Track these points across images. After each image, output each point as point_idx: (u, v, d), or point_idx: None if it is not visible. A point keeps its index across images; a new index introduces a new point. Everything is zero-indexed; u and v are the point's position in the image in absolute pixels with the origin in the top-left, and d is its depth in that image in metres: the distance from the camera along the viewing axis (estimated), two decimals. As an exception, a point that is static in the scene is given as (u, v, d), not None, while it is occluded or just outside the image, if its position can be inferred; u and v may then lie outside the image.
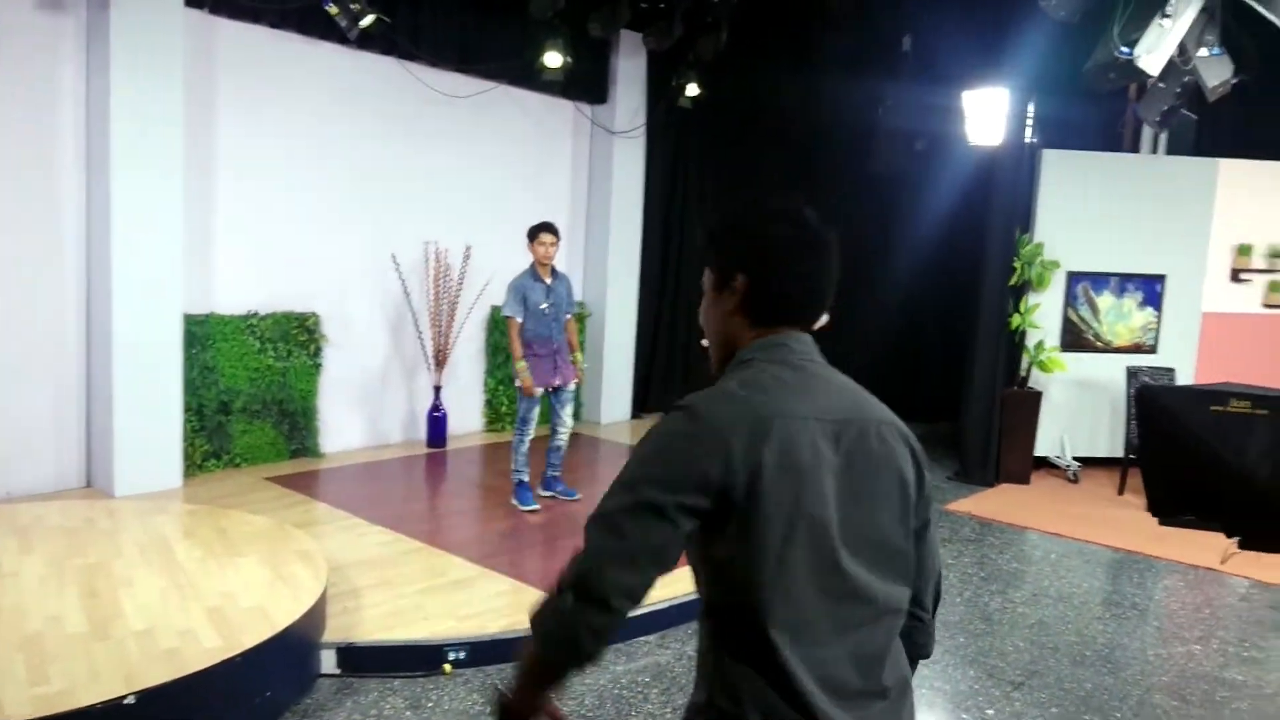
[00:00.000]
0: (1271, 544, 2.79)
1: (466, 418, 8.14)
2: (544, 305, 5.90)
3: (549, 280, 5.95)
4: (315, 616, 3.90)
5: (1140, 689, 4.28)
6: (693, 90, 8.67)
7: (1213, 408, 2.93)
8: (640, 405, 9.38)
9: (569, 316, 6.11)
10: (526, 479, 6.10)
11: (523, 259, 6.10)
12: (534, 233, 5.92)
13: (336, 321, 7.18)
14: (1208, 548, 6.17)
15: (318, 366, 7.06)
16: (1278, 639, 4.89)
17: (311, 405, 7.05)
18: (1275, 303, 8.09)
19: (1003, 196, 7.70)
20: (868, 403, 1.57)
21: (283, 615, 3.68)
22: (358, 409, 7.46)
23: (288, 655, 3.69)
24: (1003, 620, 5.00)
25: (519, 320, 5.85)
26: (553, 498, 6.28)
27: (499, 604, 4.57)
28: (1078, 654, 4.62)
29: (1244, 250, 8.00)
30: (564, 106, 8.67)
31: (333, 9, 6.11)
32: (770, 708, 1.44)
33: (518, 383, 5.90)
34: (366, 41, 6.74)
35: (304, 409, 6.99)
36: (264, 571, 4.16)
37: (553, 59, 7.51)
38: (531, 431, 6.00)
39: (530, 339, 5.90)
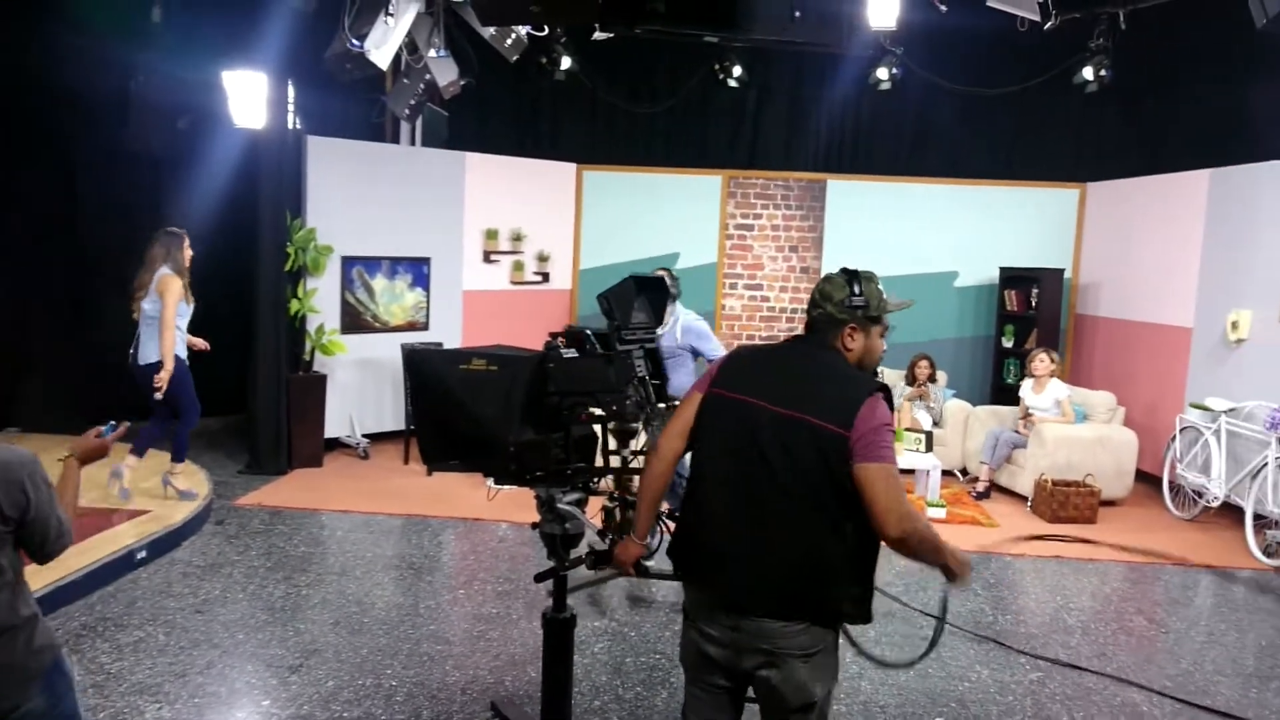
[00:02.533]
0: (509, 479, 3.19)
1: None
2: None
3: None
4: None
5: (410, 642, 4.59)
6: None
7: (460, 366, 3.23)
8: None
9: None
10: None
11: None
12: None
13: None
14: (473, 499, 6.94)
15: None
16: (525, 568, 5.64)
17: None
18: (520, 280, 9.35)
19: (271, 181, 7.60)
20: None
21: None
22: None
23: None
24: (286, 607, 4.96)
25: None
26: None
27: None
28: (356, 623, 4.79)
29: (491, 234, 9.09)
30: None
31: None
32: None
33: None
34: None
35: None
36: None
37: None
38: None
39: None
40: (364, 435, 8.34)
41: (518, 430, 3.08)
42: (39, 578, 4.77)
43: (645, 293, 3.41)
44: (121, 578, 5.20)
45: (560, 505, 3.19)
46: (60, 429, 8.16)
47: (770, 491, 2.40)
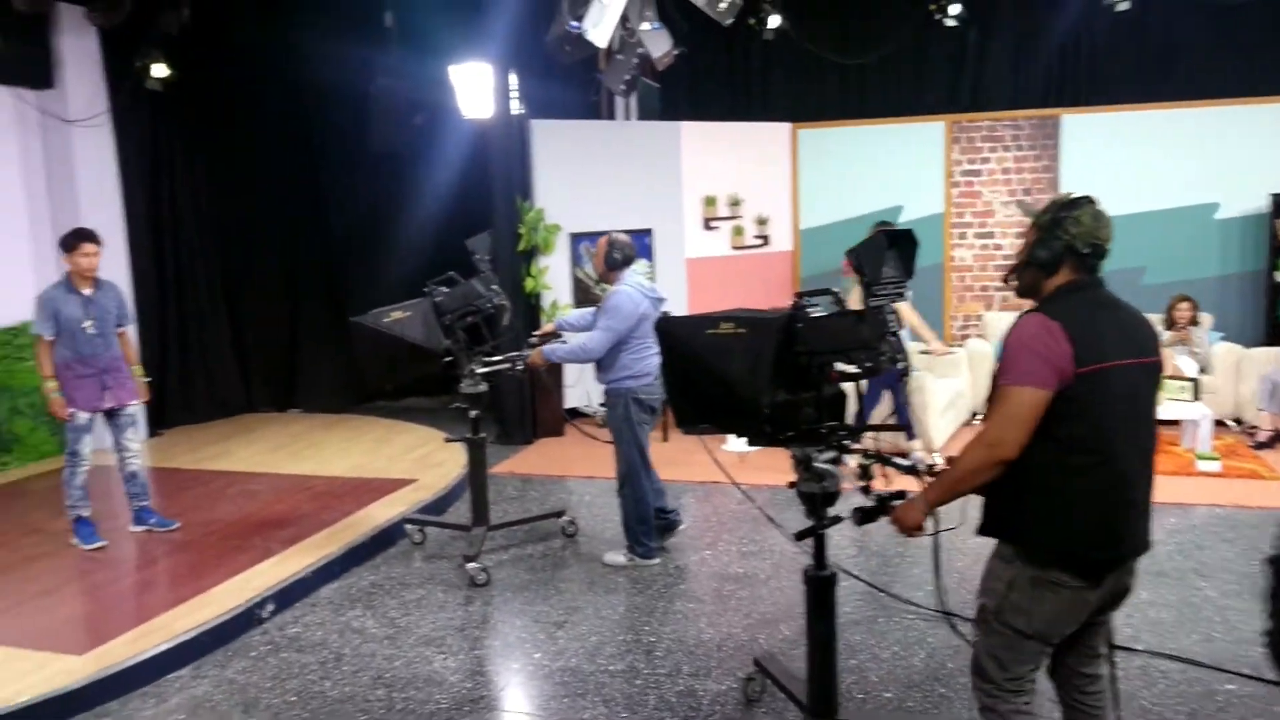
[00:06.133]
0: (759, 440, 3.26)
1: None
2: (85, 323, 5.31)
3: (88, 291, 5.37)
4: None
5: (664, 600, 4.74)
6: (161, 71, 7.85)
7: (708, 331, 3.34)
8: (158, 420, 8.42)
9: (121, 330, 5.57)
10: (86, 514, 5.51)
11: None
12: (71, 243, 5.31)
13: None
14: (708, 462, 7.05)
15: None
16: (770, 533, 5.67)
17: None
18: (740, 244, 9.35)
19: (500, 167, 7.99)
20: None
21: None
22: None
23: None
24: (544, 567, 5.25)
25: (48, 339, 5.26)
26: (148, 531, 5.72)
27: None
28: (610, 583, 5.00)
29: (710, 201, 9.14)
30: (-3, 93, 7.40)
31: None
32: None
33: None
34: None
35: None
36: None
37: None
38: (86, 462, 5.42)
39: (70, 359, 5.31)
40: (601, 404, 8.63)
41: (770, 391, 3.10)
42: (333, 540, 5.30)
43: (895, 246, 3.32)
44: (401, 541, 5.68)
45: (817, 464, 3.19)
46: (332, 409, 9.00)
47: (1151, 441, 2.61)
